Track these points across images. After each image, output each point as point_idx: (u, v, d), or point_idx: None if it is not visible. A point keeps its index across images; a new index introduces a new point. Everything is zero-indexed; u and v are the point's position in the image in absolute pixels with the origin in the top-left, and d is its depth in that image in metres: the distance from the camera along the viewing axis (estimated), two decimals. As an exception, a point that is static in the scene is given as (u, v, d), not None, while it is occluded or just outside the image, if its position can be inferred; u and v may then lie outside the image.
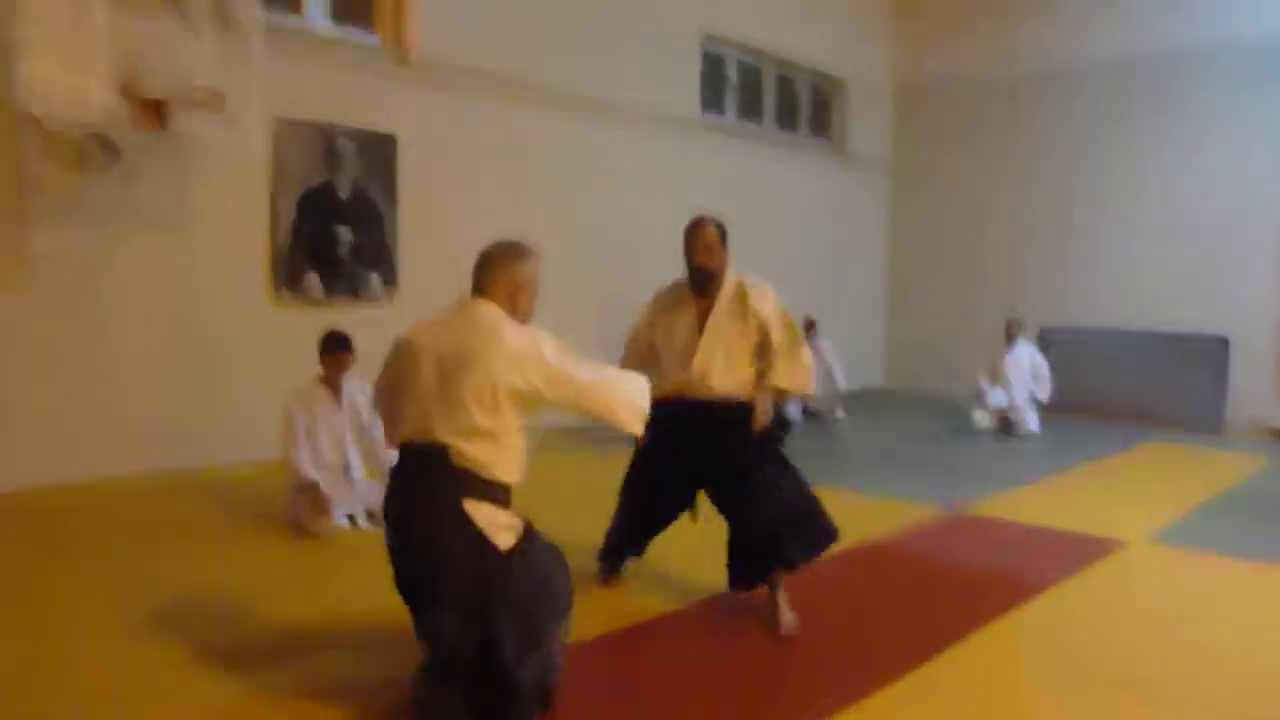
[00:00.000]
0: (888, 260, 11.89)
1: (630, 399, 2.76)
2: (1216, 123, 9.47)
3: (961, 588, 4.14)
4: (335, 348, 4.86)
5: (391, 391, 2.79)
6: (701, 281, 3.62)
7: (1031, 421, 8.45)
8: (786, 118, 10.61)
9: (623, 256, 8.38)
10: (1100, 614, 3.84)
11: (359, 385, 4.96)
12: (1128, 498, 5.95)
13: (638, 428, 2.77)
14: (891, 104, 11.73)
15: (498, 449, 2.59)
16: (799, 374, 3.62)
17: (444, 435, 2.58)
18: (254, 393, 5.98)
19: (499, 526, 2.60)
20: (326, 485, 4.74)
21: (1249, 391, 9.32)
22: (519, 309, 2.75)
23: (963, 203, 11.19)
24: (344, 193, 6.59)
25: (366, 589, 3.62)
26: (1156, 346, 9.78)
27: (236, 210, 6.14)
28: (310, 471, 4.74)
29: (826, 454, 7.36)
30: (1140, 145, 9.92)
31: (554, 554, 2.73)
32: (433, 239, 7.11)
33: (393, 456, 2.80)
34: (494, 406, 2.56)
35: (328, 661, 3.16)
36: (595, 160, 8.30)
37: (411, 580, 2.64)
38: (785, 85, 10.58)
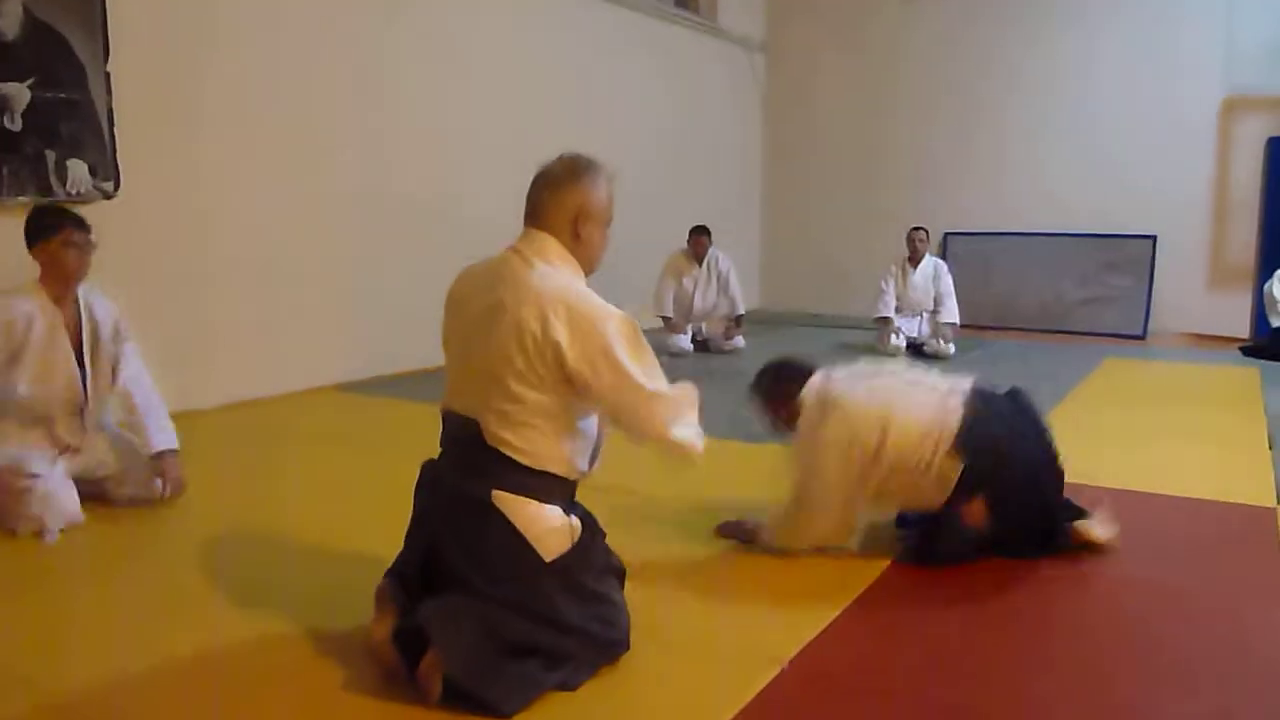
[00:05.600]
0: (764, 159, 10.10)
1: (692, 430, 2.09)
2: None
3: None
4: (55, 227, 3.10)
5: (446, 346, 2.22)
6: None
7: (947, 345, 7.02)
8: (648, -19, 8.53)
9: (450, 144, 6.23)
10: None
11: (108, 305, 3.30)
12: (1181, 439, 4.42)
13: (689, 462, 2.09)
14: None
15: (539, 432, 2.01)
16: None
17: (475, 409, 2.05)
18: None
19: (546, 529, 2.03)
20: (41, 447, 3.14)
21: (1175, 295, 8.29)
22: (584, 243, 2.12)
23: (851, 90, 9.54)
24: (8, 26, 4.05)
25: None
26: (1074, 250, 8.64)
27: None
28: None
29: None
30: (1057, 23, 8.54)
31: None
32: (179, 107, 4.68)
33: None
34: (530, 374, 1.97)
35: None
36: (411, 12, 5.99)
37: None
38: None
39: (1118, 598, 2.61)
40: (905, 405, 2.70)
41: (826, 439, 2.68)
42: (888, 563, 2.77)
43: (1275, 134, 7.89)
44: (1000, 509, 2.67)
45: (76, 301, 3.18)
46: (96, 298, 3.26)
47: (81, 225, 3.11)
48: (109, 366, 3.25)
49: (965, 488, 2.65)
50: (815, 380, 2.83)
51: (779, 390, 2.89)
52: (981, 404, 2.73)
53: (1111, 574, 2.76)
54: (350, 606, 2.32)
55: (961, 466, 2.63)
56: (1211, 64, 7.97)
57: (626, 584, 2.25)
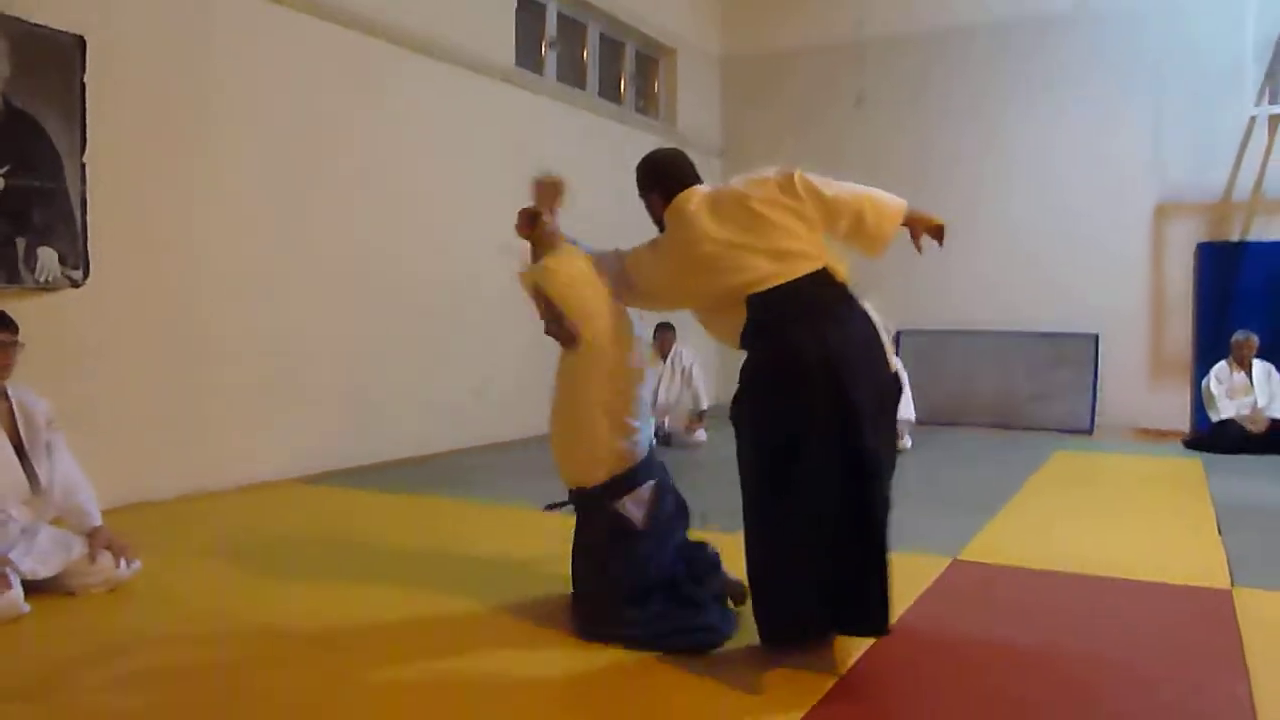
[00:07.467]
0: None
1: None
2: (1080, 98, 8.71)
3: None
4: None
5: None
6: None
7: (904, 440, 7.16)
8: (610, 87, 8.90)
9: (427, 230, 6.36)
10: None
11: (37, 399, 3.29)
12: (1134, 525, 4.59)
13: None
14: (723, 76, 10.29)
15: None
16: None
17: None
18: None
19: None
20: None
21: (1118, 390, 8.58)
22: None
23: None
24: (-13, 112, 4.11)
25: None
26: (1022, 347, 8.93)
27: None
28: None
29: (706, 488, 5.61)
30: (1001, 123, 9.02)
31: None
32: (153, 198, 4.74)
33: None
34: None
35: None
36: (383, 104, 6.18)
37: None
38: (610, 49, 8.89)
39: (1085, 682, 2.63)
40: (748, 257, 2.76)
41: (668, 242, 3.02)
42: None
43: (1204, 239, 8.34)
44: (762, 383, 2.70)
45: (7, 396, 3.21)
46: (23, 391, 3.28)
47: (6, 325, 3.15)
48: (46, 454, 3.26)
49: (744, 339, 2.79)
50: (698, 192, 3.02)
51: (656, 186, 3.22)
52: (810, 285, 2.71)
53: (1077, 657, 2.80)
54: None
55: (745, 318, 2.74)
56: (1143, 172, 8.46)
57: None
